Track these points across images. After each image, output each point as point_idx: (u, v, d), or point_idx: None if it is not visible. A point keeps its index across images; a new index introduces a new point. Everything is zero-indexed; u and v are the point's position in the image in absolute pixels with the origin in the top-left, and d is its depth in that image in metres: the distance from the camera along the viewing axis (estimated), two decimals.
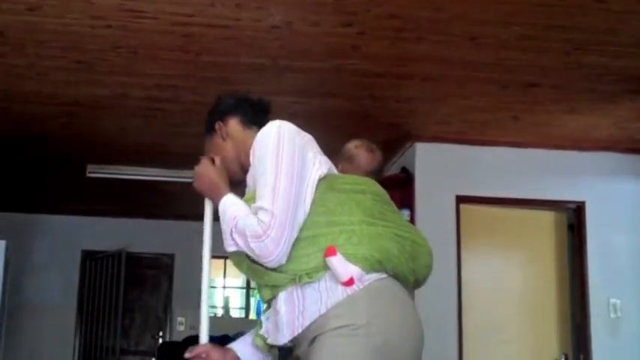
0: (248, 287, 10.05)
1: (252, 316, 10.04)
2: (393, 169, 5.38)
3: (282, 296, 1.75)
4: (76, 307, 8.69)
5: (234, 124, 2.00)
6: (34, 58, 3.76)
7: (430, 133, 4.97)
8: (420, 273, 1.87)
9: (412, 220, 4.72)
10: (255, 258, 1.72)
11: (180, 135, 5.09)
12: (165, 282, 9.09)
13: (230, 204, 1.81)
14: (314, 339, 1.69)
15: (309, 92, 4.25)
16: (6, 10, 3.21)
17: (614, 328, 4.97)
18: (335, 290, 1.70)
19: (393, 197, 1.97)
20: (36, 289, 8.40)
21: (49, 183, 6.93)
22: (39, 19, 3.28)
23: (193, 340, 8.12)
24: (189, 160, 6.55)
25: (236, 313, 10.38)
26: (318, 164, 1.81)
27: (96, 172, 5.88)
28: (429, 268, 1.90)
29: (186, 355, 1.99)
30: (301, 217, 1.73)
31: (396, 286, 1.78)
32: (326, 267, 1.71)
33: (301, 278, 1.72)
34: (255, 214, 1.72)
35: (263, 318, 1.86)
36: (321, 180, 1.79)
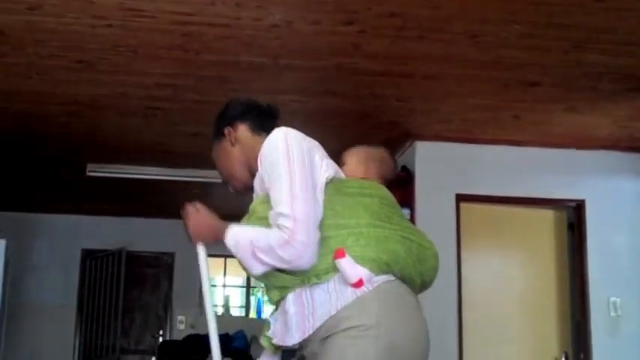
0: (248, 286, 10.06)
1: (253, 314, 10.05)
2: None
3: (290, 297, 1.77)
4: (76, 306, 8.69)
5: (243, 130, 2.01)
6: (34, 58, 3.75)
7: (430, 132, 4.97)
8: (426, 275, 1.90)
9: (412, 219, 4.73)
10: (286, 266, 1.72)
11: (181, 134, 5.09)
12: (166, 281, 9.10)
13: (238, 232, 1.83)
14: (324, 340, 1.71)
15: (309, 91, 4.25)
16: (6, 10, 3.20)
17: (614, 327, 4.98)
18: (344, 292, 1.72)
19: (393, 196, 1.98)
20: (36, 289, 8.40)
21: (49, 182, 6.93)
22: (39, 18, 3.28)
23: (194, 339, 8.17)
24: (190, 159, 6.62)
25: (236, 311, 10.38)
26: (325, 167, 1.84)
27: (96, 171, 5.88)
28: (435, 270, 1.93)
29: None
30: (319, 217, 1.75)
31: (403, 289, 1.80)
32: (335, 269, 1.74)
33: (310, 280, 1.74)
34: (275, 220, 1.72)
35: (271, 319, 1.88)
36: (328, 183, 1.82)
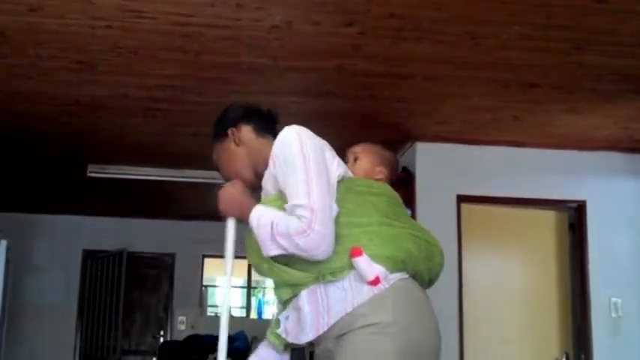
0: (249, 286, 10.06)
1: (254, 315, 10.05)
2: None
3: (304, 295, 1.78)
4: (76, 306, 8.69)
5: (247, 132, 2.02)
6: (35, 59, 3.76)
7: (431, 133, 4.97)
8: (433, 271, 1.94)
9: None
10: (302, 254, 1.73)
11: (181, 135, 5.09)
12: (166, 282, 9.10)
13: (262, 212, 1.82)
14: (339, 337, 1.72)
15: (309, 92, 4.25)
16: (7, 11, 3.21)
17: (615, 328, 4.97)
18: (361, 289, 1.74)
19: (398, 195, 2.01)
20: (37, 289, 8.41)
21: (49, 183, 6.93)
22: (39, 19, 3.28)
23: (194, 339, 8.18)
24: (190, 160, 6.61)
25: (237, 312, 10.38)
26: (336, 165, 1.88)
27: (97, 172, 5.88)
28: (441, 266, 1.97)
29: None
30: (334, 213, 1.77)
31: (416, 286, 1.84)
32: (350, 266, 1.75)
33: (325, 277, 1.75)
34: (291, 214, 1.74)
35: (281, 317, 1.88)
36: (339, 182, 1.84)
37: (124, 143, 5.36)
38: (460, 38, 3.45)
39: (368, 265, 1.74)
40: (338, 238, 1.76)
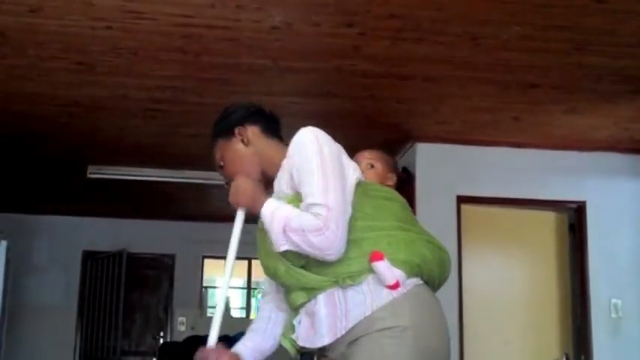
0: (249, 287, 10.05)
1: (253, 316, 10.05)
2: None
3: (321, 298, 1.77)
4: (76, 307, 8.69)
5: (255, 132, 1.98)
6: (35, 59, 3.76)
7: (431, 134, 4.97)
8: (442, 278, 1.94)
9: None
10: (314, 252, 1.71)
11: (181, 135, 5.09)
12: (166, 282, 9.10)
13: (276, 206, 1.79)
14: (354, 341, 1.71)
15: (309, 93, 4.25)
16: (7, 12, 3.21)
17: (615, 329, 4.97)
18: (380, 293, 1.73)
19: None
20: (37, 290, 8.40)
21: (49, 183, 6.93)
22: (40, 20, 3.28)
23: (194, 340, 8.17)
24: (190, 161, 6.60)
25: (237, 313, 10.38)
26: (353, 170, 1.87)
27: (97, 173, 5.88)
28: (449, 273, 1.96)
29: (197, 356, 1.99)
30: (348, 215, 1.76)
31: (430, 291, 1.84)
32: (369, 270, 1.75)
33: (344, 281, 1.74)
34: (308, 210, 1.72)
35: (295, 322, 1.86)
36: (356, 186, 1.84)
37: (124, 144, 5.36)
38: (460, 39, 3.45)
39: (388, 270, 1.73)
40: (356, 241, 1.75)
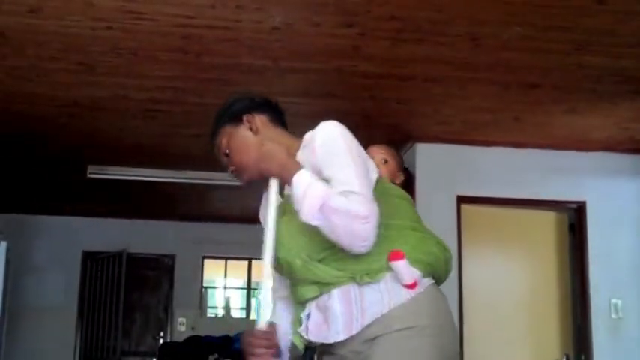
0: (249, 287, 10.05)
1: (253, 316, 10.04)
2: None
3: (336, 294, 1.73)
4: (76, 307, 8.69)
5: (263, 121, 1.92)
6: (35, 60, 3.76)
7: (431, 134, 4.97)
8: (446, 277, 1.93)
9: None
10: (348, 239, 1.65)
11: (181, 136, 5.09)
12: (166, 283, 9.10)
13: (314, 180, 1.70)
14: (373, 339, 1.70)
15: (309, 93, 4.25)
16: (7, 12, 3.21)
17: (615, 329, 4.97)
18: (398, 291, 1.72)
19: None
20: (37, 290, 8.40)
21: (49, 184, 6.93)
22: (40, 20, 3.28)
23: (194, 340, 8.13)
24: (190, 161, 6.58)
25: (237, 313, 10.38)
26: (373, 165, 1.85)
27: (97, 173, 5.88)
28: (450, 272, 1.96)
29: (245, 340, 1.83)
30: None
31: (440, 289, 1.84)
32: (387, 268, 1.73)
33: (362, 278, 1.71)
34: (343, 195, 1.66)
35: (302, 315, 1.82)
36: (376, 183, 1.81)
37: (124, 144, 5.36)
38: (460, 39, 3.45)
39: (408, 269, 1.72)
40: (377, 239, 1.72)
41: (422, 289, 1.74)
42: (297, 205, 1.71)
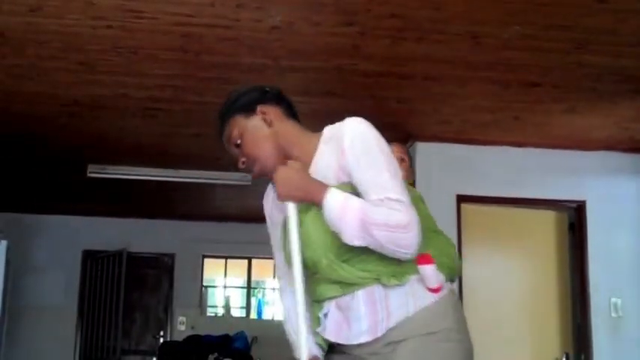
0: (249, 287, 10.05)
1: (253, 315, 10.04)
2: None
3: (360, 295, 1.70)
4: (76, 307, 8.69)
5: (277, 114, 1.85)
6: (35, 59, 3.76)
7: (431, 133, 4.97)
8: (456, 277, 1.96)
9: None
10: (393, 249, 1.61)
11: (181, 135, 5.09)
12: (166, 282, 9.10)
13: (347, 196, 1.65)
14: (398, 342, 1.67)
15: (309, 92, 4.25)
16: (7, 11, 3.21)
17: (615, 328, 4.97)
18: (423, 295, 1.70)
19: None
20: (37, 290, 8.40)
21: (49, 183, 6.93)
22: (39, 19, 3.28)
23: (194, 339, 8.14)
24: (190, 160, 6.57)
25: (237, 312, 10.38)
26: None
27: (97, 172, 5.88)
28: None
29: None
30: None
31: (456, 294, 1.84)
32: (414, 271, 1.70)
33: (389, 280, 1.68)
34: (380, 205, 1.62)
35: (320, 315, 1.77)
36: None
37: (124, 143, 5.36)
38: (460, 38, 3.45)
39: (435, 273, 1.71)
40: None
41: (445, 293, 1.73)
42: (334, 227, 1.65)
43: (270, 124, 1.83)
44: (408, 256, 1.63)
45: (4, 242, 5.75)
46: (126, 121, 4.83)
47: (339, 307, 1.73)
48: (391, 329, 1.68)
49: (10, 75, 4.01)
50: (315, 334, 1.78)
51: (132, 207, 8.18)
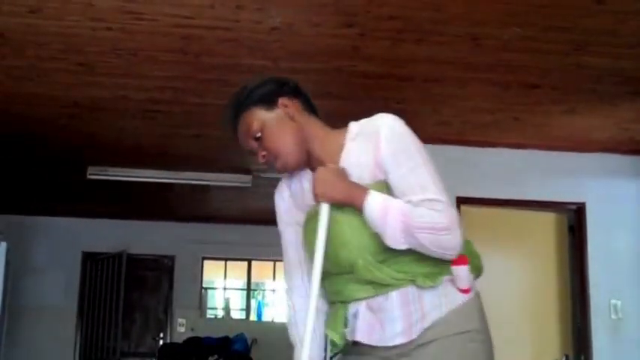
0: (249, 289, 10.05)
1: (253, 317, 10.04)
2: None
3: (395, 296, 1.67)
4: (76, 308, 8.70)
5: (297, 107, 1.82)
6: (35, 60, 3.76)
7: (430, 135, 4.95)
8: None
9: None
10: (438, 251, 1.61)
11: (181, 136, 5.08)
12: (166, 283, 9.11)
13: (388, 200, 1.62)
14: (429, 343, 1.66)
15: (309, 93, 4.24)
16: (7, 12, 3.21)
17: (615, 330, 4.97)
18: (454, 296, 1.69)
19: None
20: (36, 291, 8.41)
21: (49, 185, 6.93)
22: (39, 21, 3.28)
23: (194, 341, 8.16)
24: (190, 162, 6.57)
25: (237, 314, 10.38)
26: None
27: (96, 173, 5.88)
28: None
29: None
30: None
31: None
32: (447, 272, 1.69)
33: (424, 282, 1.66)
34: (427, 206, 1.61)
35: (349, 315, 1.71)
36: None
37: (124, 145, 5.36)
38: (460, 39, 3.45)
39: (468, 274, 1.70)
40: None
41: (473, 294, 1.73)
42: (377, 229, 1.63)
43: (292, 118, 1.79)
44: (453, 257, 1.64)
45: (4, 243, 5.75)
46: (126, 122, 4.83)
47: (370, 308, 1.69)
48: (425, 330, 1.66)
49: (10, 76, 4.01)
50: (333, 332, 1.73)
51: (131, 208, 8.18)
